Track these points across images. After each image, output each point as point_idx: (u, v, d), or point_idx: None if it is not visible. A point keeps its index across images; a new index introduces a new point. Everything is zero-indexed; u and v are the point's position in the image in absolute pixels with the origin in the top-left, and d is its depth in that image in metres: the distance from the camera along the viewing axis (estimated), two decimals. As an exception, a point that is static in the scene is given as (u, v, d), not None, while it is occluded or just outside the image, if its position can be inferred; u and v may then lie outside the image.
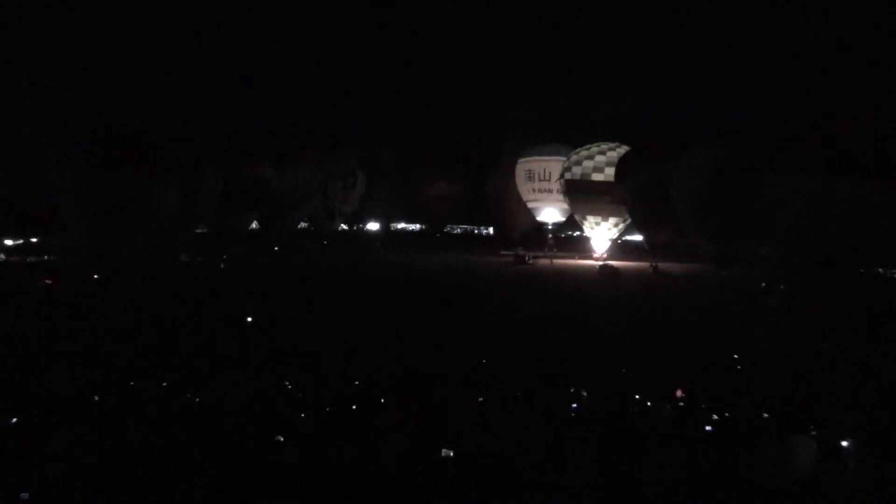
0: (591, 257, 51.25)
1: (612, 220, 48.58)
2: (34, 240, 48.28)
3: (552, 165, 53.52)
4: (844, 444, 8.19)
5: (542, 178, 54.60)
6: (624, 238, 53.54)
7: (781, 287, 29.25)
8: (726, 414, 10.24)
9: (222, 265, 40.63)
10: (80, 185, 33.35)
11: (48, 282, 29.07)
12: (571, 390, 11.87)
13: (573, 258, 51.91)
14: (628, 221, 47.36)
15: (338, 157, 54.56)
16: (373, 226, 73.77)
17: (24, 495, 6.69)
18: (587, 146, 48.68)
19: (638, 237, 53.93)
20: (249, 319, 21.32)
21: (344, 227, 67.85)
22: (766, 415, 10.26)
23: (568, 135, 55.96)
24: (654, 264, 43.84)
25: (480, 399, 11.03)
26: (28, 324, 21.04)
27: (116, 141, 35.07)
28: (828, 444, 8.19)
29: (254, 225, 56.20)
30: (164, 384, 11.81)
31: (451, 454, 7.74)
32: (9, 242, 46.59)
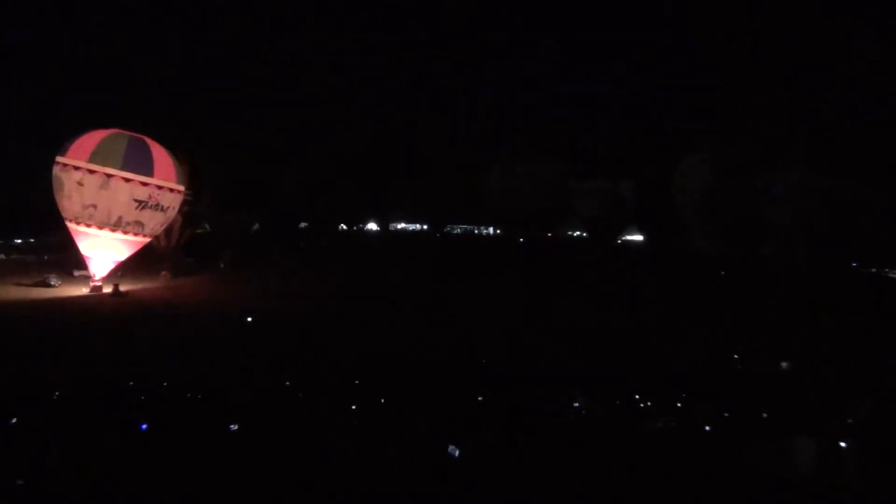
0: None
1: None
2: (18, 241, 48.02)
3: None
4: (844, 444, 8.20)
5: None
6: (624, 238, 53.04)
7: (781, 287, 29.24)
8: (726, 414, 10.26)
9: (222, 265, 40.54)
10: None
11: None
12: (571, 390, 11.86)
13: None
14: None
15: (327, 157, 54.52)
16: (372, 226, 73.75)
17: (19, 481, 6.79)
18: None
19: (638, 237, 53.82)
20: (249, 319, 21.31)
21: (343, 226, 67.76)
22: (765, 415, 10.28)
23: (564, 134, 55.15)
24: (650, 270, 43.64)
25: (480, 399, 11.04)
26: (29, 323, 21.03)
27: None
28: (828, 444, 8.20)
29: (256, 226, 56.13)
30: (165, 383, 11.81)
31: (457, 453, 7.75)
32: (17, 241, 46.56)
